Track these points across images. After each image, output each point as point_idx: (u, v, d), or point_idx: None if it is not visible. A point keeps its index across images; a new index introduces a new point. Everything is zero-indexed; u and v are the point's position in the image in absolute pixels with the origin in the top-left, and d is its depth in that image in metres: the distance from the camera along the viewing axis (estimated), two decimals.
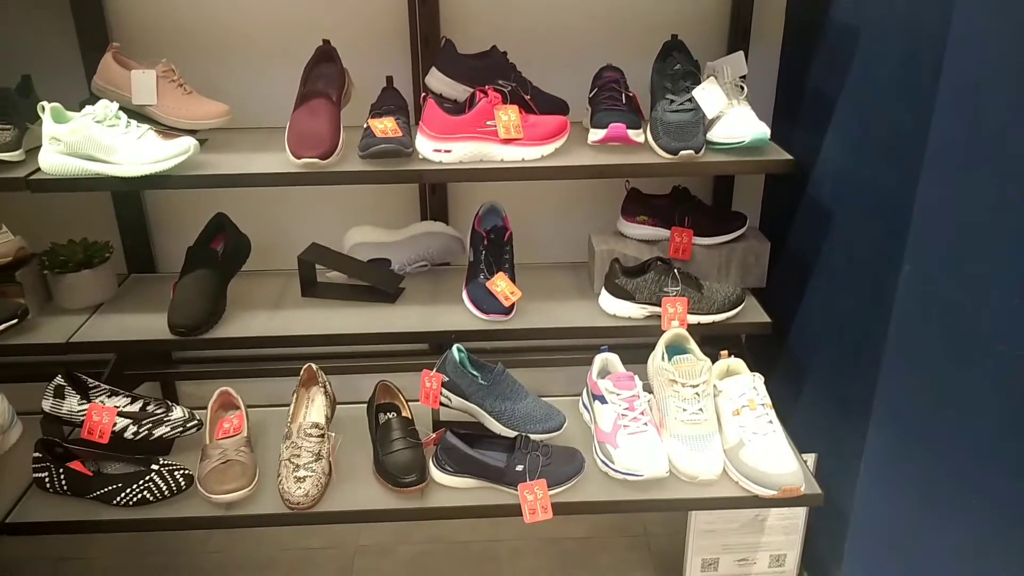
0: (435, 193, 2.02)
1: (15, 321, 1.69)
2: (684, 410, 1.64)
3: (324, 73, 1.73)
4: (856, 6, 1.55)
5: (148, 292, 1.94)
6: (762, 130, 1.63)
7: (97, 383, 1.77)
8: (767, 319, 1.82)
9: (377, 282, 1.89)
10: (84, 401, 1.72)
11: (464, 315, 1.82)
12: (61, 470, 1.62)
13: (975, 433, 1.47)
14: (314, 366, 1.83)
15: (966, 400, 1.46)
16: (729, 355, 1.76)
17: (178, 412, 1.75)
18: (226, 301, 1.83)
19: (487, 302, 1.79)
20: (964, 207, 1.34)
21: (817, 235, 1.73)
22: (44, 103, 1.56)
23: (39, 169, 1.58)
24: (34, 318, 1.79)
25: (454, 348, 1.72)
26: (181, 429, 1.73)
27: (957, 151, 1.31)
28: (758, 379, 1.69)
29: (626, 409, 1.66)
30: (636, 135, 1.68)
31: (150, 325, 1.77)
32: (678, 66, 1.72)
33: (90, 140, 1.55)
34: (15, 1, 1.82)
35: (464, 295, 1.85)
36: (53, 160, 1.56)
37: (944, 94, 1.28)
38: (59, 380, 1.73)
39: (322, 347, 1.87)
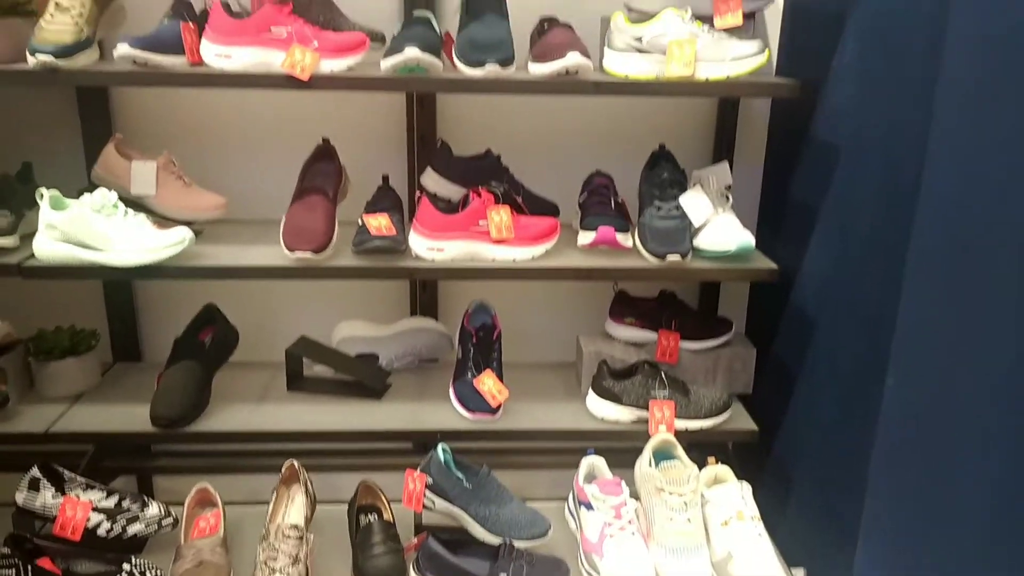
0: (426, 289, 2.04)
1: None
2: (671, 520, 1.61)
3: (322, 170, 1.78)
4: (836, 123, 1.62)
5: (132, 382, 1.92)
6: (747, 239, 1.67)
7: (73, 475, 1.72)
8: (754, 427, 1.81)
9: (363, 378, 1.88)
10: (58, 494, 1.67)
11: (450, 413, 1.80)
12: (30, 567, 1.55)
13: (964, 548, 1.45)
14: (296, 463, 1.79)
15: (955, 514, 1.44)
16: (716, 462, 1.74)
17: (154, 509, 1.70)
18: (210, 393, 1.81)
19: (474, 401, 1.77)
20: (946, 320, 1.36)
21: (802, 343, 1.74)
22: (43, 190, 1.58)
23: (33, 255, 1.59)
24: (14, 406, 1.76)
25: (439, 448, 1.69)
26: (156, 526, 1.68)
27: (938, 265, 1.34)
28: (746, 488, 1.66)
29: (613, 517, 1.62)
30: (624, 239, 1.71)
31: (131, 416, 1.74)
32: (665, 174, 1.77)
33: (86, 228, 1.57)
34: (23, 90, 1.87)
35: (451, 393, 1.84)
36: (48, 247, 1.58)
37: (923, 210, 1.31)
38: (35, 472, 1.68)
39: (305, 443, 1.83)
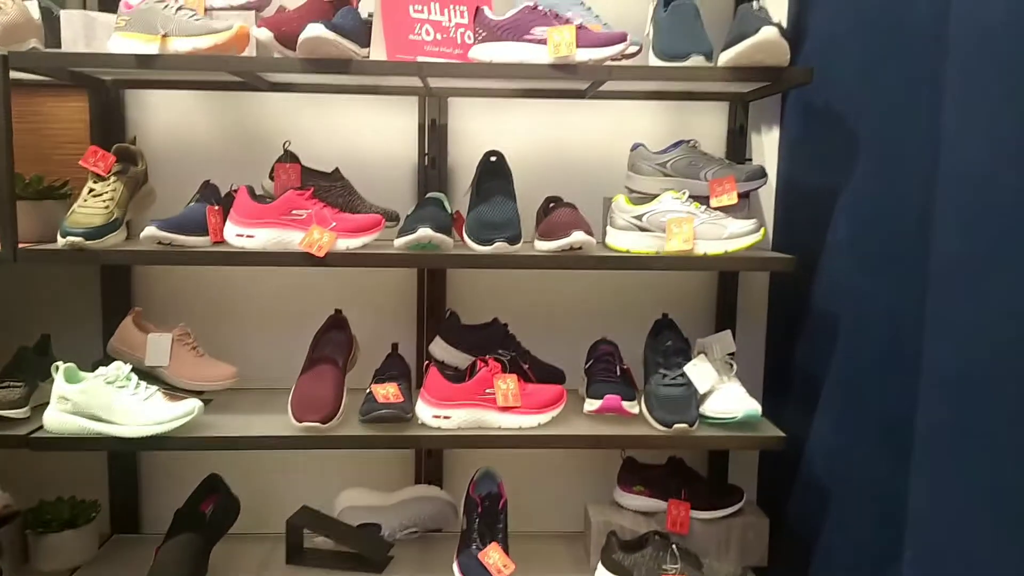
0: (431, 456, 2.02)
1: None
2: None
3: (333, 339, 1.82)
4: (834, 294, 1.67)
5: (128, 555, 1.87)
6: (753, 407, 1.68)
7: None
8: None
9: (364, 550, 1.84)
10: None
11: None
12: None
13: None
14: None
15: None
16: None
17: None
18: (207, 569, 1.76)
19: (478, 575, 1.72)
20: (960, 493, 1.34)
21: (815, 514, 1.71)
22: (59, 363, 1.61)
23: (42, 427, 1.60)
24: None
25: None
26: None
27: (947, 438, 1.33)
28: None
29: None
30: (631, 407, 1.73)
31: None
32: (669, 343, 1.81)
33: (97, 400, 1.59)
34: (47, 264, 1.94)
35: (455, 567, 1.78)
36: (58, 419, 1.59)
37: (926, 382, 1.33)
38: None
39: None
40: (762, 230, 1.65)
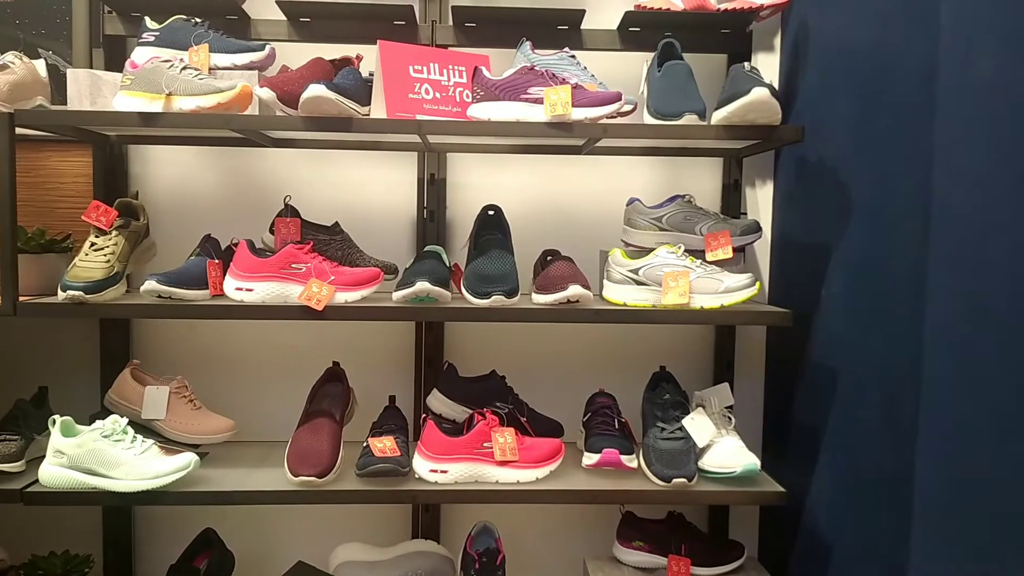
0: (428, 510, 2.00)
1: None
2: None
3: (330, 392, 1.82)
4: (830, 348, 1.67)
5: None
6: (752, 461, 1.67)
7: None
8: None
9: None
10: None
11: None
12: None
13: None
14: None
15: None
16: None
17: None
18: None
19: None
20: (959, 551, 1.33)
21: (817, 571, 1.68)
22: (55, 417, 1.61)
23: (37, 480, 1.59)
24: None
25: None
26: None
27: (947, 495, 1.33)
28: None
29: None
30: (629, 460, 1.72)
31: None
32: (667, 396, 1.81)
33: (93, 454, 1.58)
34: (46, 319, 1.94)
35: None
36: (53, 473, 1.58)
37: (925, 438, 1.33)
38: None
39: None
40: (757, 284, 1.66)
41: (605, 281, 1.74)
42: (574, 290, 1.62)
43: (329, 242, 1.79)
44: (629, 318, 1.69)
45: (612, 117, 1.63)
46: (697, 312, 1.65)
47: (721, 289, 1.64)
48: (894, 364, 1.42)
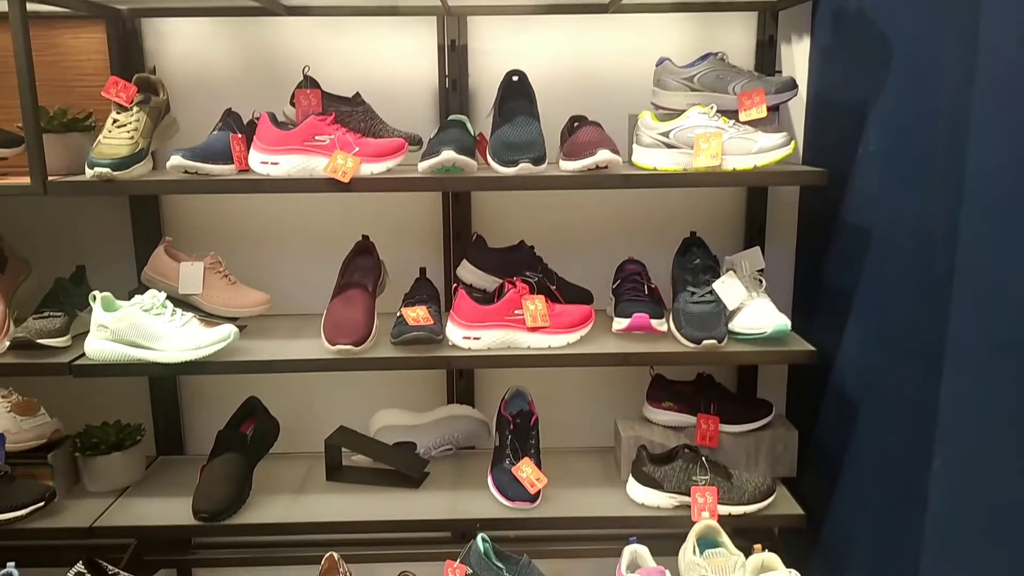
0: (462, 377, 2.06)
1: (42, 504, 1.70)
2: None
3: (361, 265, 1.83)
4: (865, 208, 1.64)
5: (175, 475, 1.95)
6: (783, 322, 1.68)
7: (116, 570, 1.74)
8: (800, 511, 1.78)
9: (402, 467, 1.89)
10: None
11: (489, 501, 1.80)
12: None
13: None
14: (335, 555, 1.79)
15: None
16: (763, 549, 1.70)
17: None
18: (251, 486, 1.83)
19: (512, 489, 1.77)
20: (991, 401, 1.35)
21: (845, 426, 1.72)
22: (95, 292, 1.65)
23: (83, 355, 1.65)
24: (61, 501, 1.79)
25: (479, 538, 1.69)
26: None
27: (978, 346, 1.33)
28: None
29: None
30: (659, 324, 1.73)
31: (173, 510, 1.77)
32: (698, 260, 1.80)
33: (136, 328, 1.63)
34: (79, 197, 1.96)
35: (489, 480, 1.84)
36: (99, 346, 1.63)
37: (958, 296, 1.32)
38: (80, 567, 1.70)
39: (344, 533, 1.84)
40: (792, 143, 1.61)
41: (634, 146, 1.71)
42: (603, 155, 1.58)
43: (351, 113, 1.75)
44: (659, 183, 1.66)
45: None
46: (729, 174, 1.62)
47: (755, 150, 1.60)
48: (930, 222, 1.39)
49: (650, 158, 1.66)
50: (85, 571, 1.71)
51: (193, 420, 2.11)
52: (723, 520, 1.72)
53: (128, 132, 1.61)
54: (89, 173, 1.57)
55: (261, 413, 1.92)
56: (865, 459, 1.66)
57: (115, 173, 1.57)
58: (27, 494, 1.70)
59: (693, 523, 1.71)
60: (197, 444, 2.10)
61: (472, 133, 1.71)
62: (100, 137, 1.61)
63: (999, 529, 1.39)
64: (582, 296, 1.90)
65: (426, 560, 1.93)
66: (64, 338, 1.70)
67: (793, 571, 1.64)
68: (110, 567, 1.74)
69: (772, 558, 1.68)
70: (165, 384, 2.05)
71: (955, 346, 1.34)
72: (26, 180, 1.57)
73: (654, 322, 1.72)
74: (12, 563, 1.74)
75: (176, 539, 2.08)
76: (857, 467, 1.69)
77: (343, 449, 1.94)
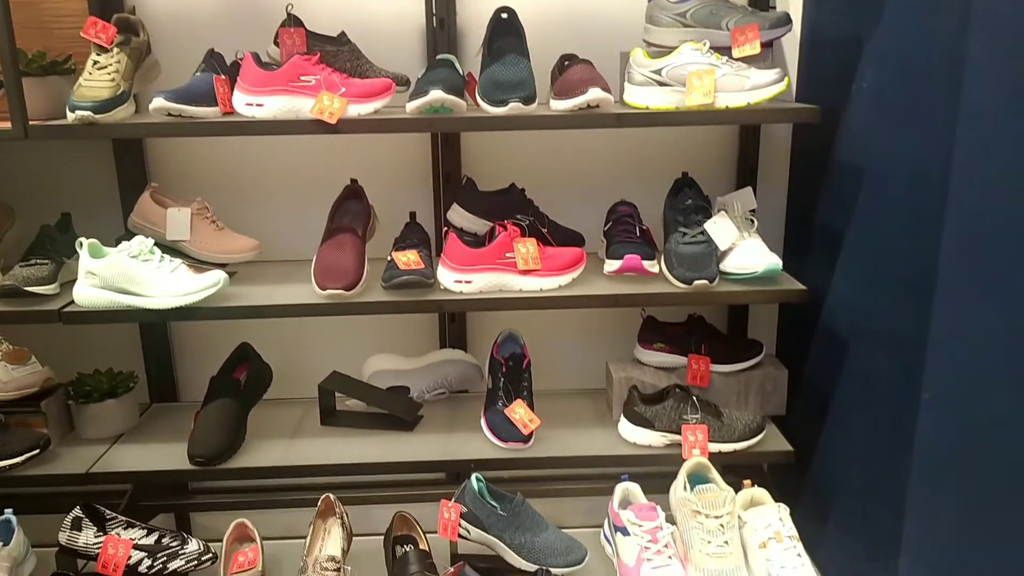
0: (454, 321, 2.06)
1: (37, 452, 1.71)
2: (709, 542, 1.61)
3: (351, 209, 1.82)
4: (859, 145, 1.63)
5: (169, 422, 1.95)
6: (774, 261, 1.68)
7: (114, 514, 1.76)
8: (789, 447, 1.81)
9: (395, 410, 1.91)
10: (100, 533, 1.71)
11: (482, 443, 1.82)
12: None
13: (1008, 561, 1.43)
14: (332, 496, 1.81)
15: (997, 528, 1.43)
16: (752, 485, 1.74)
17: (193, 545, 1.73)
18: (246, 430, 1.84)
19: (505, 430, 1.79)
20: (980, 333, 1.36)
21: (834, 364, 1.74)
22: (82, 239, 1.63)
23: (72, 302, 1.64)
24: (55, 448, 1.80)
25: (473, 478, 1.71)
26: (196, 562, 1.70)
27: (968, 280, 1.34)
28: (783, 510, 1.66)
29: (649, 541, 1.63)
30: (651, 266, 1.73)
31: (169, 455, 1.78)
32: (689, 201, 1.79)
33: (124, 274, 1.61)
34: (61, 143, 1.93)
35: (482, 422, 1.86)
36: (87, 293, 1.62)
37: (950, 232, 1.32)
38: (77, 512, 1.72)
39: (340, 476, 1.86)
40: (786, 80, 1.59)
41: (626, 84, 1.68)
42: (594, 94, 1.56)
43: (336, 53, 1.71)
44: (652, 121, 1.64)
45: None
46: (722, 112, 1.60)
47: (748, 86, 1.58)
48: (924, 158, 1.38)
49: (642, 97, 1.64)
50: (83, 516, 1.73)
51: (185, 368, 2.11)
52: (713, 458, 1.75)
53: (109, 74, 1.57)
54: (71, 117, 1.54)
55: (253, 359, 1.92)
56: (854, 396, 1.68)
57: (97, 116, 1.53)
58: (21, 442, 1.71)
59: (684, 461, 1.74)
60: (190, 391, 2.11)
61: (461, 73, 1.68)
62: (80, 80, 1.58)
63: (986, 463, 1.42)
64: (573, 239, 1.89)
65: (421, 501, 1.95)
66: (52, 286, 1.68)
67: (782, 505, 1.68)
68: (108, 511, 1.76)
69: (761, 493, 1.72)
70: (156, 331, 2.05)
71: (945, 281, 1.35)
72: (6, 125, 1.54)
73: (646, 263, 1.72)
74: (9, 509, 1.76)
75: (173, 484, 2.10)
76: (846, 404, 1.72)
77: (337, 394, 1.95)
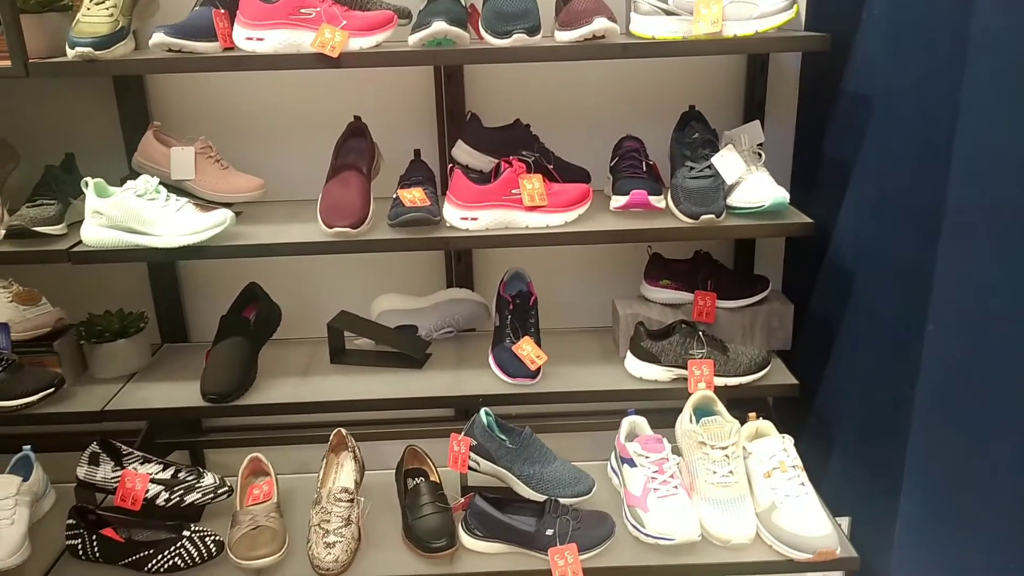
0: (461, 260, 2.06)
1: (52, 390, 1.73)
2: (714, 472, 1.64)
3: (355, 147, 1.80)
4: (868, 75, 1.61)
5: (181, 361, 1.98)
6: (781, 194, 1.67)
7: (130, 450, 1.80)
8: (794, 381, 1.82)
9: (404, 348, 1.92)
10: (118, 468, 1.75)
11: (491, 379, 1.84)
12: (94, 537, 1.63)
13: (1013, 491, 1.46)
14: (343, 431, 1.84)
15: (1001, 458, 1.45)
16: (757, 417, 1.75)
17: (209, 479, 1.77)
18: (257, 369, 1.86)
19: (513, 366, 1.81)
20: (985, 265, 1.36)
21: (840, 297, 1.74)
22: (88, 179, 1.63)
23: (80, 242, 1.65)
24: (70, 387, 1.83)
25: (482, 411, 1.74)
26: (212, 495, 1.74)
27: (975, 211, 1.33)
28: (788, 441, 1.69)
29: (655, 472, 1.66)
30: (657, 201, 1.72)
31: (182, 393, 1.81)
32: (696, 135, 1.77)
33: (131, 213, 1.61)
34: (61, 82, 1.91)
35: (490, 359, 1.87)
36: (95, 233, 1.63)
37: (958, 161, 1.31)
38: (94, 447, 1.76)
39: (350, 413, 1.88)
40: (795, 7, 1.56)
41: (632, 14, 1.65)
42: (599, 23, 1.53)
43: None
44: (658, 52, 1.61)
45: None
46: (730, 41, 1.57)
47: (756, 14, 1.55)
48: (933, 86, 1.36)
49: (648, 26, 1.61)
50: (100, 451, 1.76)
51: (195, 308, 2.13)
52: (719, 391, 1.76)
53: (107, 9, 1.55)
54: (71, 53, 1.52)
55: (262, 299, 1.94)
56: (859, 329, 1.69)
57: (97, 52, 1.52)
58: (36, 381, 1.73)
59: (690, 395, 1.75)
60: (200, 331, 2.13)
61: (464, 4, 1.65)
62: (79, 16, 1.55)
63: (989, 394, 1.43)
64: (579, 175, 1.88)
65: (431, 437, 1.98)
66: (60, 226, 1.69)
67: (787, 436, 1.70)
68: (124, 447, 1.80)
69: (766, 425, 1.74)
70: (165, 272, 2.06)
71: (952, 212, 1.34)
72: (6, 63, 1.53)
73: (652, 199, 1.71)
74: (28, 446, 1.80)
75: (186, 422, 2.14)
76: (851, 337, 1.72)
77: (345, 334, 1.96)
